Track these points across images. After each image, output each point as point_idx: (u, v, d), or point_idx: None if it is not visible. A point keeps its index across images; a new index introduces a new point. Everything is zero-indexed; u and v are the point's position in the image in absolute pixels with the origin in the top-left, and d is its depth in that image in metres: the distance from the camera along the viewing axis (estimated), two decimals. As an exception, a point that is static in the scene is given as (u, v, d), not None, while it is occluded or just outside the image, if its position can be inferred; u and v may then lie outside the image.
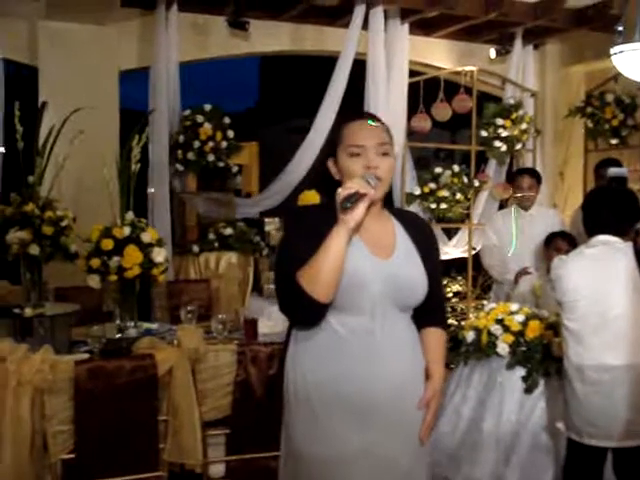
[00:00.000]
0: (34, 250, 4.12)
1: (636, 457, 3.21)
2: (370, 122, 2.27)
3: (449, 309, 7.58)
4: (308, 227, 2.22)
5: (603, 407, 3.18)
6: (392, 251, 2.28)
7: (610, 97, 6.70)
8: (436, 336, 2.40)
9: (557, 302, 3.40)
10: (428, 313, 2.35)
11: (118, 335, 3.90)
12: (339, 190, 2.11)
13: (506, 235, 5.64)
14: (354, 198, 2.08)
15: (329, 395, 2.18)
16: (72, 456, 3.23)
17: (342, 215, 2.09)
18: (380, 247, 2.26)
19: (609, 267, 3.27)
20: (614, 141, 6.77)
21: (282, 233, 2.35)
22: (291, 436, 2.27)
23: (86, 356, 3.50)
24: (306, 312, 2.15)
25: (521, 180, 5.53)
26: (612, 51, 4.70)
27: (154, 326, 4.25)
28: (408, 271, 2.27)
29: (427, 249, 2.35)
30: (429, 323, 2.39)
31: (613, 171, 4.90)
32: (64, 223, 4.31)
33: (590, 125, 6.89)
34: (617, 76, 6.04)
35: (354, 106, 6.61)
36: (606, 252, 3.29)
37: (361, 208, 2.10)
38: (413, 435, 2.28)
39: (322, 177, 2.34)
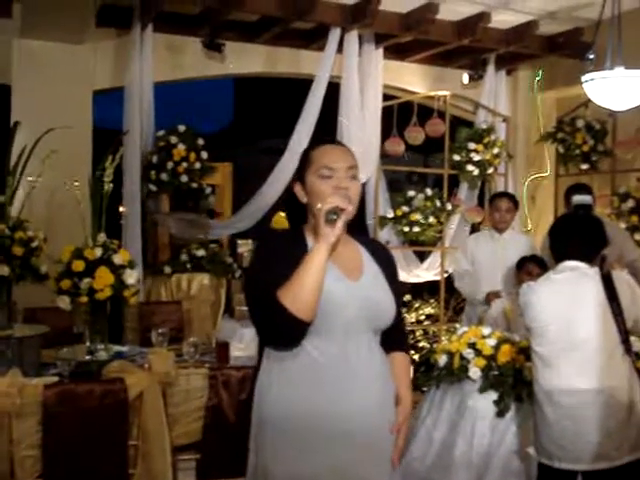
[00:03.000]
0: (3, 271, 4.07)
1: None
2: (340, 146, 2.31)
3: (421, 332, 7.60)
4: (280, 249, 2.22)
5: (573, 431, 3.20)
6: (361, 273, 2.30)
7: (581, 123, 6.78)
8: (402, 361, 2.44)
9: (526, 328, 3.43)
10: (393, 337, 2.37)
11: (88, 357, 3.86)
12: (319, 205, 2.12)
13: (479, 258, 5.70)
14: (337, 212, 2.10)
15: (303, 418, 2.17)
16: (40, 481, 3.18)
17: (326, 228, 2.09)
18: (350, 270, 2.27)
19: (577, 292, 3.30)
20: (584, 166, 6.84)
21: (252, 256, 2.34)
22: (261, 455, 2.24)
23: (55, 379, 3.45)
24: (289, 332, 2.14)
25: (500, 202, 5.59)
26: (583, 78, 4.77)
27: (125, 349, 4.21)
28: (378, 293, 2.30)
29: (390, 273, 2.38)
30: (394, 348, 2.41)
31: (577, 199, 4.98)
32: (35, 244, 4.27)
33: (561, 150, 6.97)
34: (588, 102, 6.12)
35: (328, 128, 6.64)
36: (574, 278, 3.32)
37: (340, 224, 2.11)
38: (385, 458, 2.28)
39: (288, 201, 2.35)
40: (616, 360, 3.23)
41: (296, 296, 2.08)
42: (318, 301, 2.11)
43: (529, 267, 5.00)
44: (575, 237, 3.37)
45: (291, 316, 2.08)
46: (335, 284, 2.18)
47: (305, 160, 2.28)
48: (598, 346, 3.22)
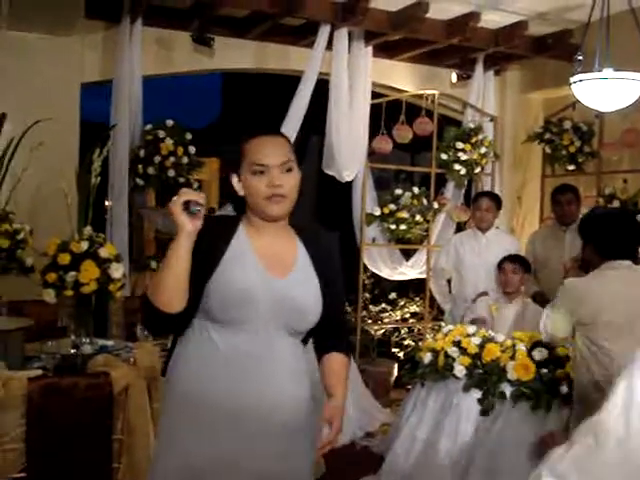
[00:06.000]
0: (-12, 263, 4.05)
1: None
2: (274, 137, 2.26)
3: (406, 330, 7.62)
4: (203, 238, 2.14)
5: None
6: (289, 271, 2.24)
7: (568, 124, 6.81)
8: (338, 361, 2.36)
9: (578, 322, 3.40)
10: (329, 339, 2.34)
11: (73, 351, 3.84)
12: (174, 198, 2.08)
13: (462, 257, 5.75)
14: (198, 203, 2.07)
15: (201, 407, 2.16)
16: (23, 475, 3.16)
17: (182, 217, 2.06)
18: (277, 265, 2.22)
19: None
20: (571, 167, 6.86)
21: None
22: (166, 440, 2.24)
23: (39, 372, 3.43)
24: (154, 321, 2.17)
25: (480, 202, 5.67)
26: (571, 80, 4.79)
27: (110, 343, 4.19)
28: (302, 293, 2.23)
29: (327, 269, 2.30)
30: (331, 349, 2.36)
31: None
32: (20, 236, 4.26)
33: (548, 151, 7.00)
34: (575, 104, 6.15)
35: (317, 125, 6.64)
36: (633, 274, 3.36)
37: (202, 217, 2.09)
38: (287, 456, 2.23)
39: (230, 192, 2.31)
40: None
41: (155, 287, 2.10)
42: (180, 293, 2.09)
43: (507, 266, 5.04)
44: (626, 236, 3.42)
45: (152, 306, 2.09)
46: (251, 278, 2.16)
47: (240, 153, 2.24)
48: None
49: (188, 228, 2.07)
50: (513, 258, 5.10)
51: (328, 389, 2.31)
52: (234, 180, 2.24)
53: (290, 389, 2.22)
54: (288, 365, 2.22)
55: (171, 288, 2.08)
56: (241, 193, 2.23)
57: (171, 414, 2.23)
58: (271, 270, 2.20)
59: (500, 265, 5.11)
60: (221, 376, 2.15)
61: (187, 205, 2.07)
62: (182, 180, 6.22)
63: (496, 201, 5.71)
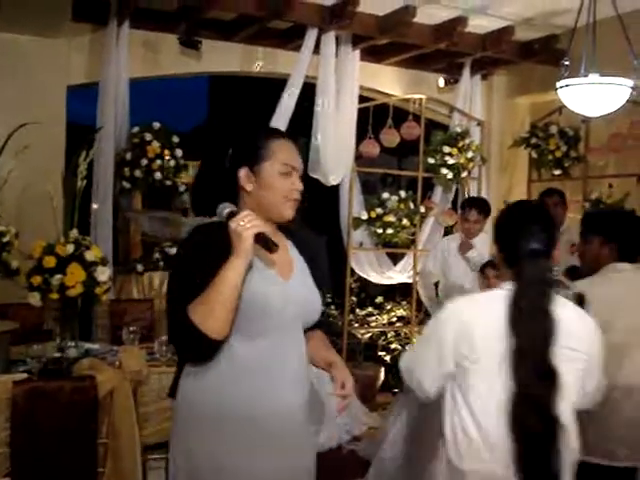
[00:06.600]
0: (-27, 266, 4.03)
1: None
2: (294, 145, 2.30)
3: (393, 333, 7.62)
4: (205, 250, 2.11)
5: None
6: (291, 271, 2.28)
7: (554, 129, 6.84)
8: (322, 336, 2.46)
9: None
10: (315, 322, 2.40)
11: (58, 354, 3.82)
12: (246, 224, 2.03)
13: (450, 261, 5.75)
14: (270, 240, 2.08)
15: (226, 417, 2.13)
16: (8, 479, 3.13)
17: (248, 243, 2.03)
18: (281, 269, 2.25)
19: None
20: (557, 172, 6.90)
21: (177, 254, 2.28)
22: (186, 452, 2.20)
23: (24, 376, 3.41)
24: (198, 349, 2.08)
25: (469, 214, 5.62)
26: (558, 85, 4.81)
27: (95, 346, 4.18)
28: (307, 290, 2.30)
29: (315, 264, 2.39)
30: (315, 328, 2.41)
31: None
32: (6, 239, 4.23)
33: (534, 155, 7.03)
34: (561, 109, 6.18)
35: (302, 129, 6.63)
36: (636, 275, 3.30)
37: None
38: (300, 456, 2.26)
39: (225, 185, 2.25)
40: None
41: (206, 314, 2.01)
42: (231, 318, 2.05)
43: (487, 271, 5.04)
44: (629, 239, 3.36)
45: (200, 333, 2.01)
46: (270, 287, 2.16)
47: (262, 149, 2.21)
48: None
49: (250, 256, 2.06)
50: (493, 263, 5.11)
51: (326, 359, 2.35)
52: (244, 173, 2.21)
53: (301, 392, 2.24)
54: (303, 360, 2.26)
55: (226, 316, 2.04)
56: (248, 188, 2.21)
57: (186, 422, 2.20)
58: (281, 275, 2.23)
59: (482, 270, 5.12)
60: (238, 381, 2.13)
61: (260, 236, 2.05)
62: (168, 183, 6.20)
63: (485, 211, 5.69)
